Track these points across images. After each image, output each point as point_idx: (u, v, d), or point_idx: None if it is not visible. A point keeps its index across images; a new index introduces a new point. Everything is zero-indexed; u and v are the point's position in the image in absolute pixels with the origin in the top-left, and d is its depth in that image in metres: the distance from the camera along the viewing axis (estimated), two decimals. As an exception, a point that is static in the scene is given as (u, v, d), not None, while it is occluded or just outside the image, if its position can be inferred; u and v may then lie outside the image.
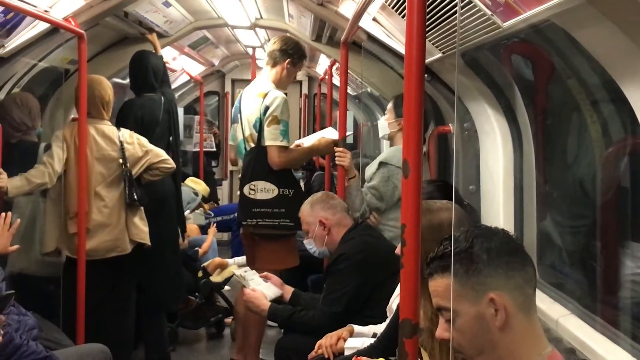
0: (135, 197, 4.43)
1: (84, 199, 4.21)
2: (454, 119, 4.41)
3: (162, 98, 5.20)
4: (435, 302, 1.96)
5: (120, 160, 4.41)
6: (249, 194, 4.68)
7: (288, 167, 4.74)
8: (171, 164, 4.63)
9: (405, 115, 1.68)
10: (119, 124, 4.81)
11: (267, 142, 4.61)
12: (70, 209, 4.27)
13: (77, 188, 4.23)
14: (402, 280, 1.68)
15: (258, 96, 4.69)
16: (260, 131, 4.64)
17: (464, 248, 1.88)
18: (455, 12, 2.88)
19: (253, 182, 4.67)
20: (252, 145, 4.69)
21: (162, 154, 4.60)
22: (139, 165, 4.48)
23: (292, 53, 4.84)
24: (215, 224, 7.13)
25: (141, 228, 4.53)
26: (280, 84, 4.84)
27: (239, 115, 4.84)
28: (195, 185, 7.32)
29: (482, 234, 1.92)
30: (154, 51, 5.49)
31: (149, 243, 4.55)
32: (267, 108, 4.60)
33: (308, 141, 5.02)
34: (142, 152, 4.50)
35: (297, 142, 4.90)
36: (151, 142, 4.69)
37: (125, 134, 4.49)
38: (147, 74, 5.16)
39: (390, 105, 4.78)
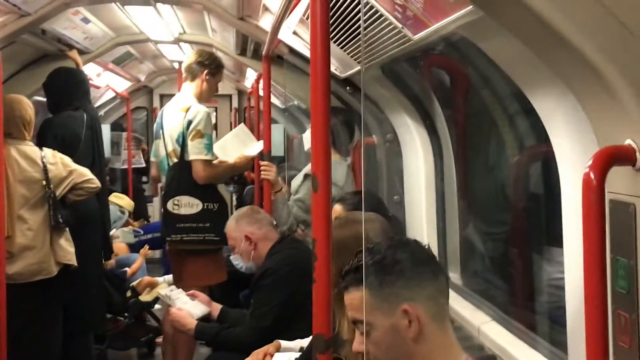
0: (60, 219, 4.34)
1: (2, 223, 4.09)
2: (377, 131, 4.45)
3: (84, 115, 5.09)
4: (350, 315, 1.96)
5: (44, 182, 4.31)
6: (173, 209, 4.63)
7: (212, 182, 4.70)
8: (96, 183, 4.54)
9: (313, 128, 1.67)
10: (39, 143, 4.69)
11: (192, 157, 4.56)
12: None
13: (-1, 211, 4.11)
14: (314, 295, 1.67)
15: (180, 111, 4.64)
16: (183, 146, 4.59)
17: (377, 260, 1.89)
18: (368, 27, 2.90)
19: (177, 197, 4.62)
20: (176, 160, 4.65)
21: (86, 173, 4.51)
22: (63, 185, 4.38)
23: (208, 64, 4.81)
24: (147, 246, 7.01)
25: (67, 249, 4.43)
26: (201, 97, 4.81)
27: (160, 131, 4.79)
28: (118, 200, 7.19)
29: (395, 245, 1.93)
30: (75, 67, 5.38)
31: (75, 264, 4.45)
32: (190, 122, 4.56)
33: (223, 145, 4.96)
34: (66, 172, 4.40)
35: (214, 148, 4.83)
36: (74, 160, 4.60)
37: (48, 154, 4.39)
38: (66, 91, 5.04)
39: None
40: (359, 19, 2.96)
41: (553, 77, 1.86)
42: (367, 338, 1.87)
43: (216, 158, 4.78)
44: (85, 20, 5.21)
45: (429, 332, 1.85)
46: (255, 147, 4.99)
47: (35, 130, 4.63)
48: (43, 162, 4.33)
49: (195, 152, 4.56)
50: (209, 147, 4.60)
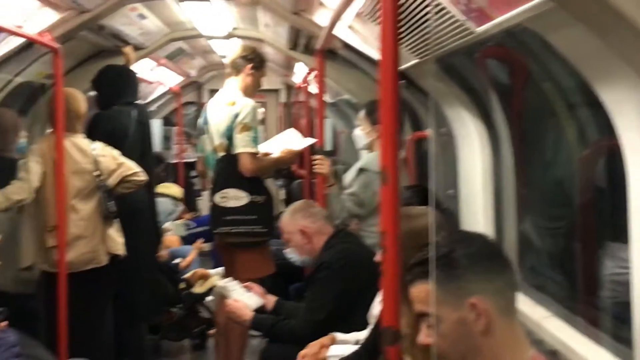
0: (111, 209, 4.42)
1: (63, 212, 4.18)
2: (431, 124, 4.43)
3: (134, 110, 5.17)
4: (416, 308, 1.96)
5: (95, 173, 4.39)
6: (221, 202, 4.67)
7: (259, 175, 4.74)
8: (143, 176, 4.61)
9: (382, 122, 1.68)
10: (89, 136, 4.78)
11: (239, 149, 4.60)
12: (48, 223, 4.23)
13: (54, 202, 4.20)
14: (382, 287, 1.68)
15: (227, 105, 4.69)
16: (230, 139, 4.64)
17: (444, 253, 1.88)
18: (429, 19, 2.89)
19: (224, 190, 4.66)
20: (222, 154, 4.69)
21: (134, 166, 4.58)
22: (113, 177, 4.46)
23: (251, 58, 4.85)
24: (202, 239, 7.08)
25: (116, 240, 4.51)
26: (247, 91, 4.84)
27: (206, 126, 4.84)
28: (167, 190, 7.27)
29: (462, 239, 1.93)
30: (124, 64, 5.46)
31: (124, 254, 4.53)
32: (236, 115, 4.60)
33: (271, 145, 4.99)
34: (115, 165, 4.48)
35: (259, 147, 4.86)
36: (123, 153, 4.68)
37: (99, 147, 4.47)
38: (117, 87, 5.11)
39: (362, 115, 4.77)
40: (419, 11, 2.95)
41: (624, 70, 1.84)
42: (433, 331, 1.87)
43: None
44: (142, 17, 5.29)
45: (497, 326, 1.84)
46: (302, 142, 5.01)
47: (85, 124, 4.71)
48: (94, 154, 4.41)
49: (242, 145, 4.59)
50: (256, 140, 4.63)
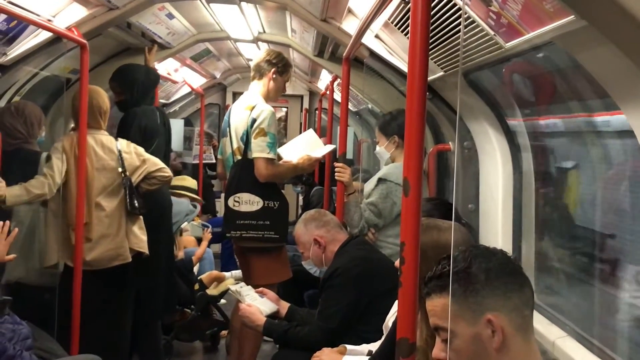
0: (136, 205, 4.44)
1: (82, 210, 4.20)
2: (453, 137, 4.42)
3: (158, 111, 5.21)
4: (432, 321, 1.95)
5: (120, 170, 4.41)
6: (234, 205, 4.68)
7: (274, 181, 4.74)
8: (169, 173, 4.63)
9: (407, 133, 1.68)
10: (122, 133, 4.81)
11: (254, 154, 4.61)
12: (72, 221, 4.25)
13: (77, 199, 4.22)
14: (400, 298, 1.67)
15: (246, 109, 4.70)
16: (247, 143, 4.65)
17: (462, 268, 1.88)
18: (459, 32, 2.88)
19: (238, 194, 4.67)
20: (240, 157, 4.70)
21: (159, 162, 4.59)
22: (137, 174, 4.48)
23: (276, 62, 4.87)
24: (207, 229, 7.12)
25: (140, 237, 4.53)
26: (268, 96, 4.86)
27: (227, 129, 4.85)
28: (181, 182, 7.29)
29: (481, 254, 1.91)
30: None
31: (147, 252, 4.54)
32: (254, 120, 4.62)
33: (289, 148, 4.99)
34: (139, 161, 4.50)
35: (279, 150, 4.86)
36: (151, 152, 4.70)
37: (123, 144, 4.50)
38: (146, 87, 5.14)
39: (377, 131, 4.76)
40: (448, 24, 2.94)
41: (654, 92, 1.82)
42: (448, 345, 1.85)
43: (280, 158, 4.81)
44: (170, 16, 5.31)
45: (513, 344, 1.83)
46: (322, 150, 5.00)
47: (111, 121, 4.72)
48: (118, 151, 4.43)
49: (257, 150, 4.60)
50: (272, 146, 4.63)
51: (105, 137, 4.46)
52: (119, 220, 4.41)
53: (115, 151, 4.43)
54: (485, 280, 1.85)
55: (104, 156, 4.39)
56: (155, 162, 4.57)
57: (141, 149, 4.57)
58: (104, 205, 4.36)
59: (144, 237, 4.56)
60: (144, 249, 4.53)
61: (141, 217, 4.54)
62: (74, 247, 4.23)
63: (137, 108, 5.06)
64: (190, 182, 7.40)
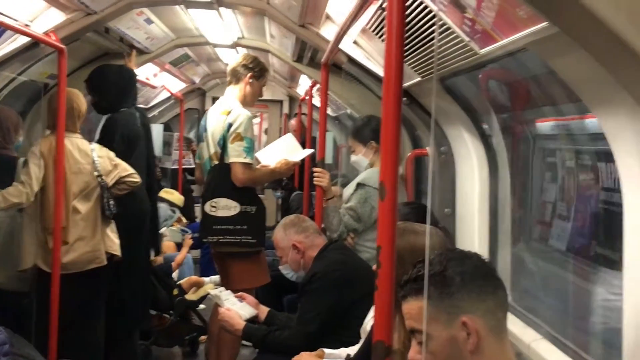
0: (112, 209, 4.44)
1: (60, 214, 4.19)
2: (431, 142, 4.45)
3: (138, 113, 5.18)
4: (408, 324, 1.97)
5: (95, 174, 4.41)
6: (210, 211, 4.68)
7: (251, 185, 4.75)
8: (138, 178, 4.63)
9: (383, 138, 1.70)
10: (104, 141, 4.77)
11: (231, 159, 4.61)
12: (49, 224, 4.23)
13: (55, 203, 4.21)
14: (376, 302, 1.69)
15: (222, 114, 4.69)
16: (223, 148, 4.65)
17: (437, 271, 1.90)
18: (434, 38, 2.91)
19: (215, 199, 4.67)
20: (217, 162, 4.70)
21: (129, 168, 4.60)
22: (110, 178, 4.49)
23: (252, 67, 4.85)
24: (188, 234, 7.12)
25: (113, 240, 4.54)
26: (245, 100, 4.85)
27: (204, 133, 4.85)
28: (168, 196, 7.30)
29: (456, 258, 1.94)
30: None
31: (119, 254, 4.54)
32: (230, 125, 4.61)
33: (267, 152, 5.00)
34: (111, 166, 4.51)
35: (257, 154, 4.87)
36: (134, 158, 4.70)
37: (97, 147, 4.50)
38: (125, 89, 5.11)
39: (351, 140, 4.77)
40: (424, 31, 2.97)
41: (624, 97, 1.85)
42: (424, 348, 1.88)
43: (258, 163, 4.82)
44: (148, 21, 5.31)
45: (487, 346, 1.85)
46: (300, 154, 5.01)
47: (89, 125, 4.71)
48: (93, 154, 4.43)
49: (234, 154, 4.60)
50: (249, 151, 4.63)
51: (81, 141, 4.45)
52: (94, 223, 4.41)
53: (90, 155, 4.43)
54: (460, 283, 1.87)
55: (80, 160, 4.38)
56: (125, 168, 4.57)
57: (112, 154, 4.57)
58: (80, 209, 4.36)
59: (117, 240, 4.56)
60: (117, 251, 4.54)
61: (113, 220, 4.54)
62: (51, 250, 4.21)
63: (117, 114, 5.01)
64: (177, 197, 7.40)
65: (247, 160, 4.61)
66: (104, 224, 4.47)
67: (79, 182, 4.36)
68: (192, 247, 7.19)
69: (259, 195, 4.93)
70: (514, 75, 3.19)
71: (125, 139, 4.88)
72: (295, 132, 8.83)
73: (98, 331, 4.64)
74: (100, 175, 4.41)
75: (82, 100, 4.51)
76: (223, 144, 4.65)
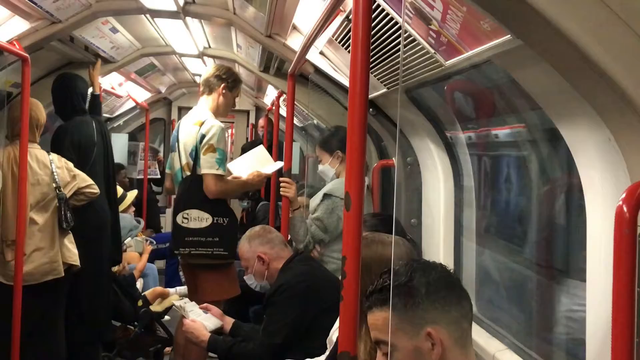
0: (69, 221, 4.39)
1: (23, 225, 4.13)
2: (397, 153, 4.47)
3: (94, 121, 5.14)
4: (373, 335, 1.97)
5: (54, 185, 4.36)
6: (182, 222, 4.65)
7: (223, 197, 4.72)
8: (96, 189, 4.60)
9: (349, 148, 1.70)
10: (54, 149, 4.73)
11: (204, 170, 4.59)
12: (6, 236, 4.17)
13: (11, 214, 4.15)
14: (341, 312, 1.69)
15: (195, 124, 4.67)
16: (196, 159, 4.62)
17: (403, 282, 1.91)
18: (399, 49, 2.93)
19: (186, 211, 4.64)
20: (189, 173, 4.68)
21: (88, 179, 4.56)
22: (68, 189, 4.46)
23: (225, 78, 4.84)
24: (149, 243, 7.05)
25: (72, 250, 4.50)
26: (218, 111, 4.83)
27: (176, 144, 4.82)
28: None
29: (421, 268, 1.95)
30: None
31: (78, 265, 4.49)
32: (203, 136, 4.59)
33: (239, 163, 4.98)
34: (70, 177, 4.48)
35: (228, 165, 4.85)
36: (89, 166, 4.65)
37: (55, 158, 4.46)
38: (78, 97, 5.06)
39: (318, 149, 4.78)
40: (390, 42, 2.99)
41: (586, 109, 1.88)
42: (389, 359, 1.88)
43: (230, 174, 4.80)
44: (114, 30, 5.27)
45: (452, 356, 1.86)
46: (272, 166, 5.01)
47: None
48: (52, 165, 4.38)
49: (206, 166, 4.58)
50: (221, 162, 4.61)
51: (39, 151, 4.41)
52: (52, 234, 4.37)
53: (48, 166, 4.39)
54: (425, 293, 1.88)
55: (38, 171, 4.34)
56: (84, 178, 4.54)
57: (71, 164, 4.53)
58: (37, 220, 4.31)
59: (75, 251, 4.54)
60: (76, 262, 4.51)
61: (70, 231, 4.48)
62: (6, 262, 4.15)
63: (69, 122, 5.00)
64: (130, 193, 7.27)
65: (220, 172, 4.59)
66: (62, 234, 4.43)
67: (36, 194, 4.31)
68: (157, 258, 7.15)
69: (228, 207, 4.91)
70: (479, 88, 3.22)
71: (76, 146, 4.83)
72: (262, 129, 8.84)
73: (58, 342, 4.59)
74: (58, 187, 4.37)
75: (41, 110, 4.47)
76: (195, 155, 4.62)
